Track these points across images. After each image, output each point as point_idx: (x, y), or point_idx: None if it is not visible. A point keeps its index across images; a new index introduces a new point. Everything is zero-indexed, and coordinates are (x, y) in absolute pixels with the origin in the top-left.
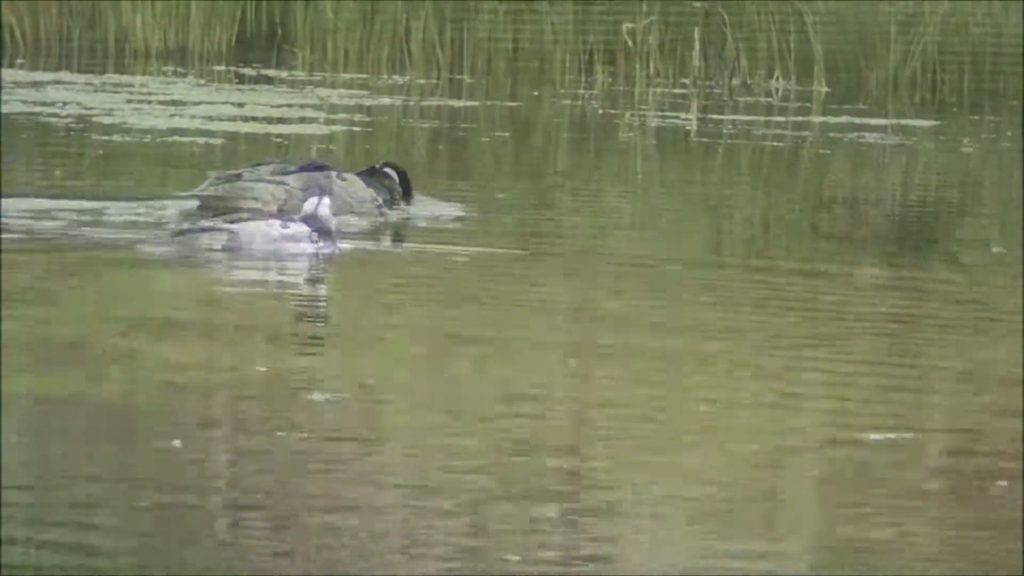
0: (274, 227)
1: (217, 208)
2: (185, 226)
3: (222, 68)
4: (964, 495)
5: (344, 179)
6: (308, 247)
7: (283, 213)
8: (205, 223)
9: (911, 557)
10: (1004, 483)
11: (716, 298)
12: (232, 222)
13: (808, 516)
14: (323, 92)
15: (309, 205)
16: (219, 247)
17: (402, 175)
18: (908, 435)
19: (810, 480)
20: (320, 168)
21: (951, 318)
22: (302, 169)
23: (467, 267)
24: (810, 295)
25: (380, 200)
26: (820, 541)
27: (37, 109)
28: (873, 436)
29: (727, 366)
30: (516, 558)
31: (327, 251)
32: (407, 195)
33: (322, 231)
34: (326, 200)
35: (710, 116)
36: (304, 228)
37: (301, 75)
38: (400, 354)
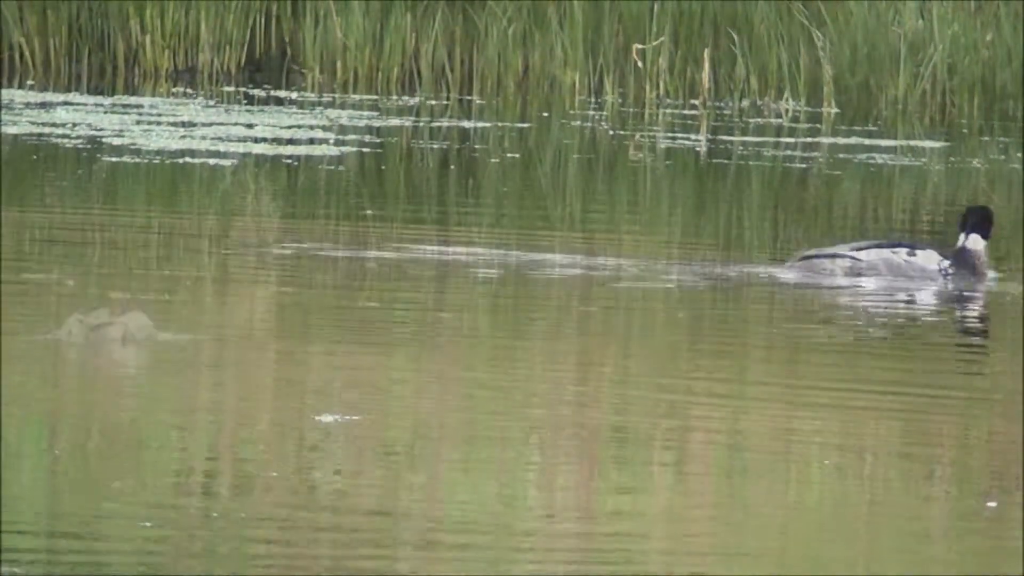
0: (900, 254)
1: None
2: (812, 252)
3: (232, 89)
4: None
5: (915, 254)
6: (937, 276)
7: (913, 242)
8: (831, 250)
9: None
10: None
11: None
12: (857, 249)
13: None
14: (333, 113)
15: (962, 239)
16: (841, 272)
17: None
18: None
19: None
20: (895, 245)
21: None
22: (879, 245)
23: None
24: None
25: (949, 271)
26: None
27: (47, 130)
28: None
29: None
30: None
31: (963, 282)
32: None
33: (964, 262)
34: (974, 235)
35: (720, 137)
36: (933, 254)
37: (311, 96)
38: None
